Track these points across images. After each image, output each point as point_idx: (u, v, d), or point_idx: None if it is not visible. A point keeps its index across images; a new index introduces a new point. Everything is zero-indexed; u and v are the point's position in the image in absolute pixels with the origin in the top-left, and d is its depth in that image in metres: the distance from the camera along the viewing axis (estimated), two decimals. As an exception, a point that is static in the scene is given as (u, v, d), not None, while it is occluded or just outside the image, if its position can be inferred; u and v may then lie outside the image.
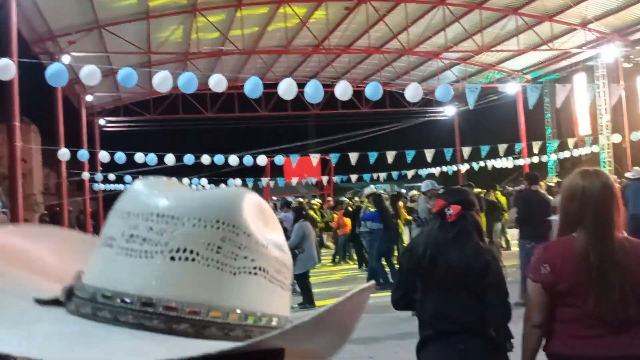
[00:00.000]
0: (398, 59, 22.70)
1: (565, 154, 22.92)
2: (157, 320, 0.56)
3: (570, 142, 22.82)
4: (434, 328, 2.83)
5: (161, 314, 0.57)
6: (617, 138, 19.41)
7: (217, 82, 12.91)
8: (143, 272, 0.58)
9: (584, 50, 19.46)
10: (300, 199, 18.22)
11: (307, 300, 8.63)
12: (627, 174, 11.27)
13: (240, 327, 0.58)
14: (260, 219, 0.63)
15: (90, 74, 11.31)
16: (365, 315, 0.66)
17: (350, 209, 14.90)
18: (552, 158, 23.85)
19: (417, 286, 2.92)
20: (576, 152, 22.32)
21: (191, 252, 0.58)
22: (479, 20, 18.57)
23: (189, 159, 21.27)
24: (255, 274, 0.60)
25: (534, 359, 2.47)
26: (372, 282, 0.76)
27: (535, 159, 23.50)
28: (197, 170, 21.86)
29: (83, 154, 19.09)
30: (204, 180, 28.94)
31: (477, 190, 12.73)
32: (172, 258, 0.58)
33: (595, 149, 20.80)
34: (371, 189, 12.30)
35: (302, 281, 8.82)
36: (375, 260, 10.00)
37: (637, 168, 10.86)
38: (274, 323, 0.61)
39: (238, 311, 0.59)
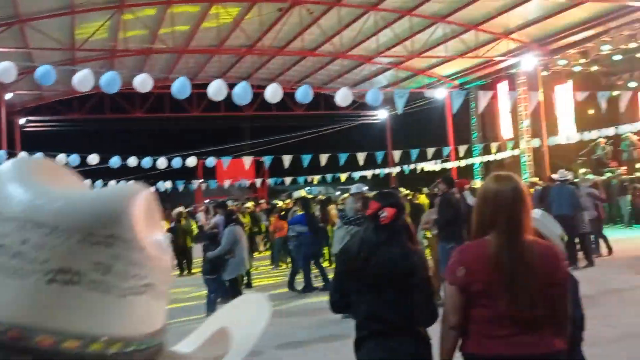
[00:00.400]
0: (332, 63, 22.91)
1: (490, 157, 23.91)
2: (28, 356, 0.48)
3: (494, 146, 23.86)
4: (367, 328, 2.87)
5: (33, 348, 0.48)
6: (536, 142, 20.44)
7: (143, 82, 12.55)
8: (11, 295, 0.48)
9: (506, 59, 20.39)
10: (230, 202, 18.01)
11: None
12: (554, 176, 11.44)
13: (122, 356, 0.52)
14: (149, 218, 0.56)
15: (5, 70, 10.68)
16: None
17: (282, 212, 14.85)
18: (477, 161, 24.80)
19: (351, 288, 2.96)
20: (499, 156, 23.36)
21: (75, 273, 0.49)
22: (409, 27, 19.07)
23: (115, 161, 20.51)
24: (144, 292, 0.54)
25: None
26: (265, 302, 0.72)
27: (462, 162, 24.38)
28: (124, 173, 21.04)
29: (0, 156, 18.00)
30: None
31: (404, 192, 13.05)
32: (51, 280, 0.48)
33: (517, 152, 21.81)
34: (300, 192, 12.30)
35: (233, 286, 8.70)
36: (302, 264, 10.00)
37: (562, 170, 11.07)
38: (155, 343, 0.56)
39: (121, 340, 0.52)
